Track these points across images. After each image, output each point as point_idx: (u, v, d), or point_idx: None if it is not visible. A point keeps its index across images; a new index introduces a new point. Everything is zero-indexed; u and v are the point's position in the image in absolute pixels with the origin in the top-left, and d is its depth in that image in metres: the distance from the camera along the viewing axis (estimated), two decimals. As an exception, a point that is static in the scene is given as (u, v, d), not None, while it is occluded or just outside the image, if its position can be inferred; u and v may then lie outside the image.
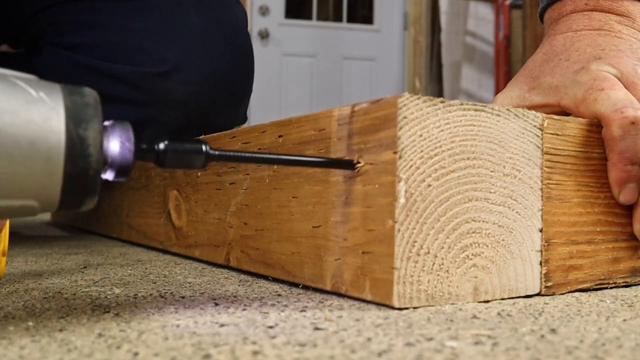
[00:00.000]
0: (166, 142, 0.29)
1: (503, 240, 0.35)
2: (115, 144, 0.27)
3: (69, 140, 0.25)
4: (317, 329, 0.28)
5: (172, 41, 0.72)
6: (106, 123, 0.27)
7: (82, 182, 0.26)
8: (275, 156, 0.33)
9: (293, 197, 0.40)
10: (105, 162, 0.27)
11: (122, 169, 0.27)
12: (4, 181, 0.24)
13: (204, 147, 0.29)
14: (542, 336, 0.27)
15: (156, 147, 0.28)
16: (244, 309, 0.33)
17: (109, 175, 0.27)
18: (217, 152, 0.30)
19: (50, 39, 0.74)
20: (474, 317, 0.31)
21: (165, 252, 0.63)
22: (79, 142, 0.25)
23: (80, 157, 0.25)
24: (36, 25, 0.75)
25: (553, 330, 0.28)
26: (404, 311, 0.32)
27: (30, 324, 0.29)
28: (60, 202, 0.26)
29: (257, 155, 0.33)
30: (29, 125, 0.24)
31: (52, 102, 0.25)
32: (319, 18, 3.12)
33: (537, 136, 0.37)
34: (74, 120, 0.25)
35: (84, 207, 0.27)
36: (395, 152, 0.32)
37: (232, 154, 0.31)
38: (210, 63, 0.74)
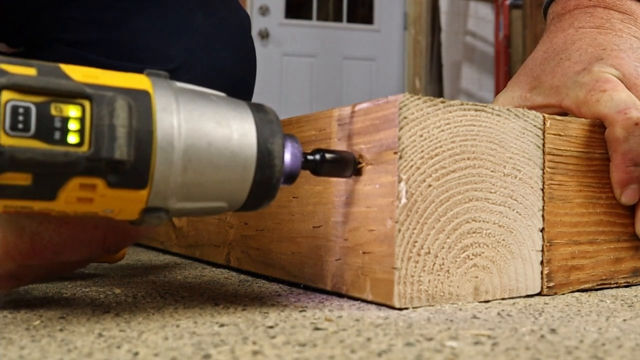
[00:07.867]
0: (322, 153, 0.32)
1: (503, 240, 0.35)
2: (288, 155, 0.30)
3: (260, 152, 0.29)
4: (317, 329, 0.28)
5: (177, 40, 0.72)
6: None
7: (266, 188, 0.29)
8: None
9: (293, 197, 0.40)
10: None
11: (291, 176, 0.31)
12: (209, 186, 0.28)
13: (352, 157, 0.33)
14: (542, 336, 0.27)
15: (314, 157, 0.32)
16: (244, 309, 0.33)
17: None
18: (361, 162, 0.34)
19: (54, 36, 0.74)
20: (474, 317, 0.31)
21: (165, 252, 0.63)
22: (267, 154, 0.29)
23: (267, 167, 0.29)
24: (39, 21, 0.75)
25: (553, 330, 0.28)
26: (404, 311, 0.32)
27: (31, 324, 0.29)
28: (243, 204, 0.30)
29: None
30: (230, 138, 0.28)
31: (245, 118, 0.29)
32: (319, 18, 3.12)
33: (538, 136, 0.37)
34: (263, 134, 0.29)
35: (261, 208, 0.31)
36: (395, 152, 0.32)
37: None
38: (214, 63, 0.74)
